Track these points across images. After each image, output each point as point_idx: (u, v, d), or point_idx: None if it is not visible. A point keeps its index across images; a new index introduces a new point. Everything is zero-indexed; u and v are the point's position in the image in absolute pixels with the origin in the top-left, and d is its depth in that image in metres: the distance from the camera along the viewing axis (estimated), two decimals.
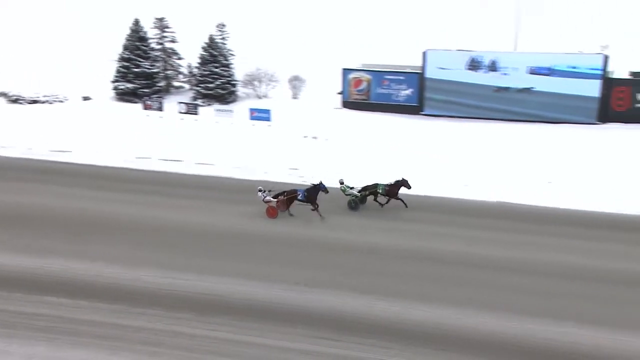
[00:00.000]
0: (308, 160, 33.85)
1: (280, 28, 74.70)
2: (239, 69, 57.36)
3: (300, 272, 18.57)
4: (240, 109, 50.55)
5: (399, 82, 51.72)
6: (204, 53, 56.88)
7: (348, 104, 53.18)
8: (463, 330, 15.32)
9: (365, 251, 20.45)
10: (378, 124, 46.00)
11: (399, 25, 56.11)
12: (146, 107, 52.66)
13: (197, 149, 36.06)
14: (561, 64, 48.00)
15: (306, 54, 65.06)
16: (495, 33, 62.03)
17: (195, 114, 50.97)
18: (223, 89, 56.13)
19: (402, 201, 24.96)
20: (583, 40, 60.69)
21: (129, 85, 56.53)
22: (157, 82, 58.67)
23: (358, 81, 52.70)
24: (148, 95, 55.42)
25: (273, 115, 47.35)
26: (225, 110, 51.28)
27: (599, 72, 46.64)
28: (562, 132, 43.47)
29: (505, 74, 49.03)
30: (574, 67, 47.54)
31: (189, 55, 58.26)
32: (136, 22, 58.12)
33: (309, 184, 24.72)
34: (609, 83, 47.13)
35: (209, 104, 54.06)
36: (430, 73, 50.71)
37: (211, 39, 57.29)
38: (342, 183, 25.09)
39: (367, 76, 52.53)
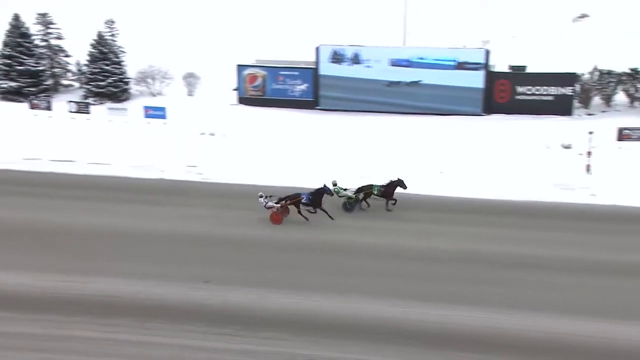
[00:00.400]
0: (206, 157, 33.67)
1: (172, 24, 73.47)
2: (131, 67, 55.97)
3: (208, 270, 18.41)
4: (134, 107, 49.54)
5: (294, 77, 52.34)
6: (93, 50, 55.10)
7: (244, 100, 53.21)
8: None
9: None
10: (275, 119, 46.33)
11: (293, 21, 56.87)
12: (33, 107, 50.47)
13: (91, 148, 34.80)
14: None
15: (200, 50, 64.38)
16: (387, 29, 63.98)
17: (87, 113, 49.42)
18: (115, 87, 54.64)
19: (391, 202, 24.71)
20: (466, 35, 63.80)
21: (13, 84, 53.92)
22: (44, 81, 56.30)
23: (253, 77, 52.82)
24: (35, 94, 53.05)
25: (168, 112, 46.70)
26: (119, 109, 50.08)
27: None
28: (450, 123, 45.53)
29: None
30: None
31: (78, 52, 56.19)
32: (16, 18, 55.39)
33: (314, 188, 23.58)
34: (491, 76, 49.93)
35: (102, 103, 52.54)
36: (323, 68, 51.66)
37: (100, 35, 55.56)
38: (335, 185, 24.20)
39: (262, 72, 52.76)
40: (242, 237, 21.44)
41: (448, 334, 14.88)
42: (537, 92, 49.40)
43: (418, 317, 15.52)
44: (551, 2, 75.21)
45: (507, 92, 49.84)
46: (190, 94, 56.06)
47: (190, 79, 55.83)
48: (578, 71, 50.05)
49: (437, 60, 50.04)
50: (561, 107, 48.68)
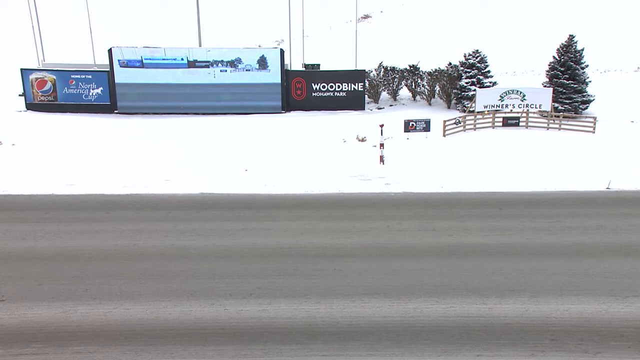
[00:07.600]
0: None
1: None
2: None
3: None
4: None
5: (88, 81, 49.94)
6: None
7: (33, 106, 49.81)
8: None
9: None
10: (70, 124, 43.99)
11: (85, 22, 54.13)
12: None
13: None
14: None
15: None
16: (183, 30, 63.20)
17: None
18: None
19: None
20: (261, 35, 65.23)
21: None
22: None
23: (42, 81, 49.50)
24: None
25: None
26: None
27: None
28: (252, 121, 46.50)
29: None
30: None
31: None
32: None
33: None
34: (288, 74, 51.81)
35: None
36: (117, 71, 49.93)
37: None
38: None
39: (51, 76, 49.63)
40: (37, 250, 19.97)
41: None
42: (331, 89, 52.26)
43: None
44: (336, 3, 79.56)
45: (303, 90, 52.15)
46: None
47: None
48: (366, 68, 53.81)
49: (234, 59, 50.80)
50: (354, 103, 52.11)
